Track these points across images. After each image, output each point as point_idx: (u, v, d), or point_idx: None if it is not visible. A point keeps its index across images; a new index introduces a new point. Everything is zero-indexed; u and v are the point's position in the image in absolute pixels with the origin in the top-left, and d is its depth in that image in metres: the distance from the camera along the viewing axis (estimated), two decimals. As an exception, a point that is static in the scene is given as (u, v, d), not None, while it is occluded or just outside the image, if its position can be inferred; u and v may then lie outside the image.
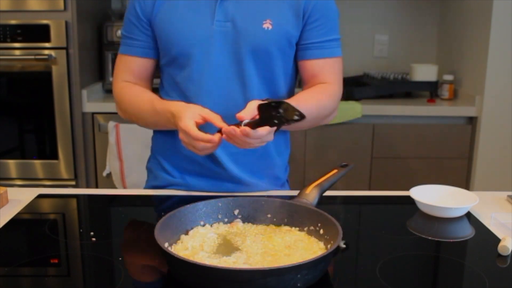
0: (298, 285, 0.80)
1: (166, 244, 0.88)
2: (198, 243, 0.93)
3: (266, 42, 1.25)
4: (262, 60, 1.27)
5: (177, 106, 1.18)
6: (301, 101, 1.20)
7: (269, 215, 1.03)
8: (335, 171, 1.13)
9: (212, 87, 1.26)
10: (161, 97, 1.32)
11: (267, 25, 1.24)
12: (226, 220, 1.03)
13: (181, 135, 1.12)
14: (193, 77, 1.27)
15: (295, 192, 1.11)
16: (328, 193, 1.11)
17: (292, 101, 1.12)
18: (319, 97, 1.28)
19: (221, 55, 1.25)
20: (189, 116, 1.12)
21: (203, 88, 1.26)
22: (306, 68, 1.32)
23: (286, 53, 1.30)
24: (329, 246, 0.91)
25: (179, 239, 0.96)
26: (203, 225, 1.00)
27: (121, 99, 1.34)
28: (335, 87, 1.32)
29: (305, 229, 0.99)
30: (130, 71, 1.34)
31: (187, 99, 1.27)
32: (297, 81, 1.39)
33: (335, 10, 1.31)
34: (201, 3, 1.25)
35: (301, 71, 1.35)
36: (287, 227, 1.01)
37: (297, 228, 1.00)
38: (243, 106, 1.16)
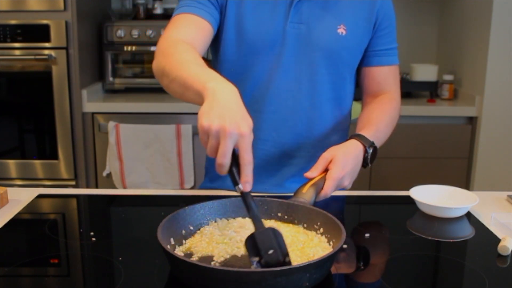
0: (307, 284, 0.80)
1: (169, 246, 0.88)
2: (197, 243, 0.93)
3: (340, 47, 1.25)
4: (334, 64, 1.26)
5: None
6: (380, 131, 1.24)
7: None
8: None
9: (281, 89, 1.25)
10: None
11: (341, 30, 1.23)
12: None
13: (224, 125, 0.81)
14: (261, 78, 1.25)
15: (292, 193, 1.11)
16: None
17: (372, 127, 1.21)
18: (391, 114, 1.31)
19: (292, 57, 1.23)
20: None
21: (270, 88, 1.25)
22: (370, 74, 1.34)
23: (355, 59, 1.30)
24: (330, 243, 0.91)
25: (180, 241, 0.95)
26: (202, 226, 1.00)
27: (164, 49, 1.08)
28: (398, 96, 1.36)
29: (305, 226, 0.98)
30: (189, 28, 1.14)
31: (252, 98, 1.24)
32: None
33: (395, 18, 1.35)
34: (274, 2, 1.22)
35: (363, 78, 1.35)
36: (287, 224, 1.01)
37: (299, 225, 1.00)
38: (310, 110, 1.23)
